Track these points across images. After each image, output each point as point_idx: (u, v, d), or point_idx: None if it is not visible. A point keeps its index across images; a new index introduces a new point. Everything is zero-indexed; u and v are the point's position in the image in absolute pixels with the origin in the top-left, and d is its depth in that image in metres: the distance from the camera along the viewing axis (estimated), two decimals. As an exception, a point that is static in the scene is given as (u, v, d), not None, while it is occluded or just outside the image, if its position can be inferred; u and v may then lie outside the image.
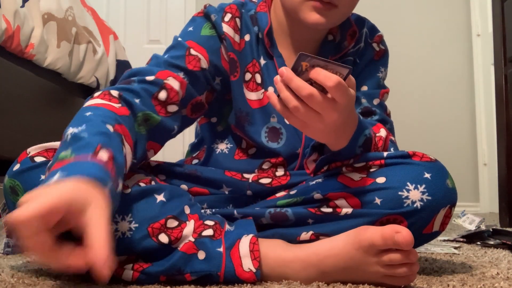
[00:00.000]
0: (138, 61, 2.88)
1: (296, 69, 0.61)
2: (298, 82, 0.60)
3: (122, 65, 2.10)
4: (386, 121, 0.87)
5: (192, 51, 0.80)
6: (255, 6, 0.88)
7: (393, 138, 0.85)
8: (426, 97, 3.27)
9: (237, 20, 0.85)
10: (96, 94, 0.71)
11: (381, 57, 0.91)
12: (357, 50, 0.89)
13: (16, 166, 0.66)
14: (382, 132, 0.79)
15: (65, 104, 1.76)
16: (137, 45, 3.28)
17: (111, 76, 1.98)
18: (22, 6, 1.44)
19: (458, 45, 3.30)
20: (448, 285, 0.65)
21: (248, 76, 0.84)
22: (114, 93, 0.71)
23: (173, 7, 3.37)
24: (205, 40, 0.82)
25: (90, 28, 1.88)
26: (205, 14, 0.85)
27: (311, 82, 0.61)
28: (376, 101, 0.88)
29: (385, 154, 0.72)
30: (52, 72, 1.61)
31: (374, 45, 0.91)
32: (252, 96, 0.84)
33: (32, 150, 0.68)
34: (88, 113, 0.64)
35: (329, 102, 0.61)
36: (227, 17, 0.84)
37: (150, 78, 0.75)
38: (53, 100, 1.66)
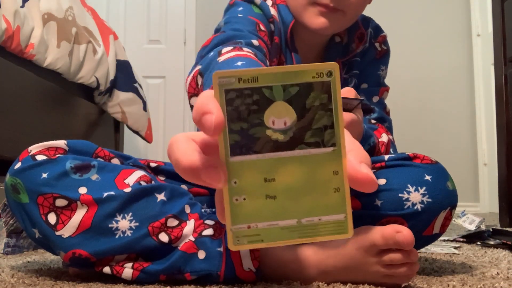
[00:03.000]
0: (138, 61, 2.89)
1: None
2: None
3: (122, 65, 2.10)
4: (384, 119, 0.87)
5: (261, 27, 0.77)
6: None
7: (391, 137, 0.85)
8: (426, 97, 3.28)
9: (276, 7, 0.84)
10: (225, 49, 0.66)
11: (383, 56, 0.92)
12: (362, 49, 0.90)
13: (18, 165, 0.66)
14: (384, 137, 0.79)
15: (65, 104, 1.76)
16: (137, 45, 3.28)
17: (111, 76, 1.98)
18: (22, 6, 1.44)
19: (458, 45, 3.30)
20: (448, 285, 0.65)
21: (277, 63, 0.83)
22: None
23: (173, 7, 3.37)
24: (261, 18, 0.80)
25: (90, 28, 1.88)
26: (248, 0, 0.83)
27: None
28: (375, 99, 0.88)
29: (386, 157, 0.72)
30: (52, 72, 1.61)
31: (377, 44, 0.91)
32: None
33: (33, 148, 0.68)
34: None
35: None
36: (269, 2, 0.83)
37: (255, 43, 0.72)
38: (53, 100, 1.66)
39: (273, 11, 0.82)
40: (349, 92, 0.64)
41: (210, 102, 0.33)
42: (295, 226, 0.35)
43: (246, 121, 0.34)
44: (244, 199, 0.34)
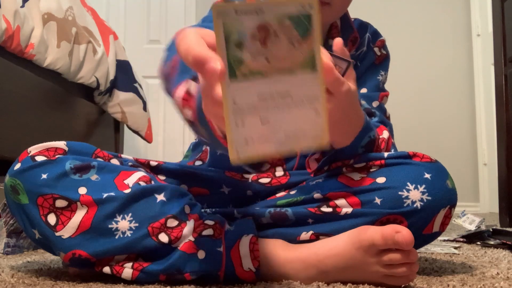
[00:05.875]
0: (138, 61, 2.89)
1: None
2: None
3: (122, 65, 2.10)
4: (385, 124, 0.87)
5: None
6: None
7: (392, 140, 0.85)
8: (426, 97, 3.28)
9: None
10: None
11: (382, 61, 0.92)
12: (359, 54, 0.89)
13: (17, 165, 0.66)
14: (385, 134, 0.79)
15: (65, 104, 1.76)
16: (137, 45, 3.28)
17: (111, 76, 1.98)
18: (22, 6, 1.44)
19: (458, 45, 3.30)
20: (448, 285, 0.65)
21: None
22: None
23: (173, 7, 3.37)
24: None
25: (90, 28, 1.88)
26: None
27: None
28: (375, 104, 0.88)
29: (385, 154, 0.72)
30: (52, 72, 1.61)
31: (376, 49, 0.91)
32: None
33: (33, 149, 0.68)
34: None
35: None
36: None
37: None
38: (53, 100, 1.66)
39: None
40: (342, 51, 0.63)
41: (205, 50, 0.40)
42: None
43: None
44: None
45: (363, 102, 0.87)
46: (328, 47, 0.88)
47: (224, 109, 0.40)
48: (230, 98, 0.40)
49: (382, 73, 0.91)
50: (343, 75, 0.62)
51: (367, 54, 0.90)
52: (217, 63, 0.39)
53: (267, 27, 0.39)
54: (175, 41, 0.45)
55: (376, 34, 0.92)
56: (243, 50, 0.39)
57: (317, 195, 0.72)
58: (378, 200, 0.69)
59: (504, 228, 1.36)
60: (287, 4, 0.39)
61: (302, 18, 0.40)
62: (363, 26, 0.92)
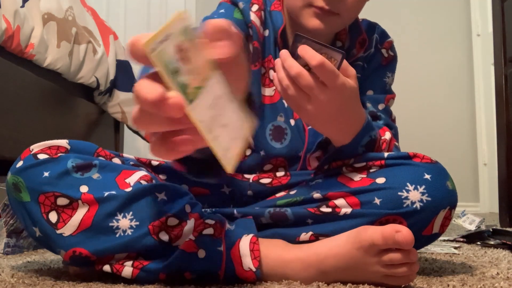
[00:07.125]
0: (138, 61, 2.89)
1: (293, 53, 0.63)
2: (290, 62, 0.63)
3: (122, 65, 2.10)
4: (390, 127, 0.86)
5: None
6: (270, 4, 0.88)
7: (397, 143, 0.85)
8: (426, 97, 3.28)
9: (262, 13, 0.86)
10: None
11: (389, 63, 0.91)
12: (367, 55, 0.89)
13: (19, 163, 0.66)
14: (387, 135, 0.79)
15: (65, 104, 1.76)
16: (137, 45, 3.28)
17: (111, 76, 1.98)
18: (22, 6, 1.44)
19: (458, 45, 3.30)
20: (448, 285, 0.65)
21: (263, 70, 0.85)
22: None
23: (173, 7, 3.37)
24: (237, 23, 0.82)
25: (90, 28, 1.88)
26: (233, 2, 0.86)
27: (309, 68, 0.63)
28: (381, 106, 0.88)
29: (385, 154, 0.72)
30: (52, 72, 1.61)
31: (383, 51, 0.91)
32: (265, 91, 0.84)
33: (35, 147, 0.68)
34: None
35: (317, 84, 0.63)
36: (254, 7, 0.86)
37: None
38: (53, 100, 1.66)
39: (253, 17, 0.84)
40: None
41: (160, 90, 0.38)
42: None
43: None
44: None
45: (368, 104, 0.87)
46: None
47: (200, 131, 0.40)
48: (198, 120, 0.40)
49: (389, 74, 0.91)
50: (338, 68, 0.63)
51: (374, 55, 0.90)
52: (176, 97, 0.38)
53: (180, 45, 0.39)
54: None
55: (383, 35, 0.92)
56: (180, 74, 0.39)
57: (316, 195, 0.72)
58: (377, 201, 0.69)
59: (504, 228, 1.36)
60: (174, 23, 0.39)
61: (187, 29, 0.40)
62: (371, 27, 0.91)
